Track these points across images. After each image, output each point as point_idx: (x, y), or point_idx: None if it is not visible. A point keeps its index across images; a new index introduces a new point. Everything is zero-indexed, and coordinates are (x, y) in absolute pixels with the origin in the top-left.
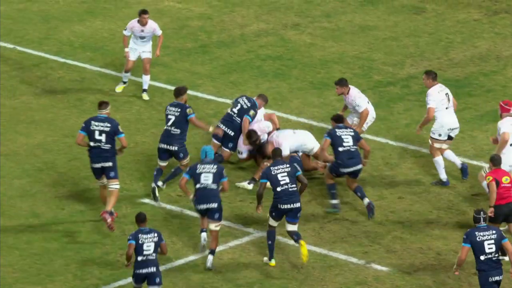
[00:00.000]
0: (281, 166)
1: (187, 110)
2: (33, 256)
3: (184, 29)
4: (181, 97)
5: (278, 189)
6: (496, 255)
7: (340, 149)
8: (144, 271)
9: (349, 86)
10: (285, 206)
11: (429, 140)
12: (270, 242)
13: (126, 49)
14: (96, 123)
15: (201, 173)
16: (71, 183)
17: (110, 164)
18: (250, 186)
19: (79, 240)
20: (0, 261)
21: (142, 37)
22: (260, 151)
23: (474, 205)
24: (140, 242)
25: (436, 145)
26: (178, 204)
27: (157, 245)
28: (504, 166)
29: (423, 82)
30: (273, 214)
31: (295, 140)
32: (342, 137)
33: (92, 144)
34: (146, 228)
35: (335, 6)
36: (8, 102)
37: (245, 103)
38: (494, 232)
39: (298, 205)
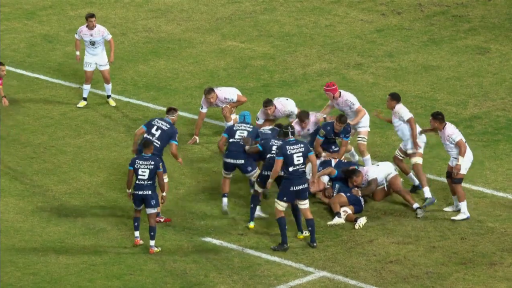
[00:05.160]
0: None
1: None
2: None
3: (246, 69)
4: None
5: None
6: (303, 167)
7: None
8: (140, 192)
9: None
10: None
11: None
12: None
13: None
14: (159, 121)
15: (237, 130)
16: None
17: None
18: (342, 220)
19: (140, 278)
20: None
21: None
22: (349, 175)
23: None
24: (136, 167)
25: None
26: (239, 243)
27: (153, 172)
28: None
29: (387, 104)
30: None
31: (379, 170)
32: None
33: (147, 135)
34: (146, 155)
35: (398, 46)
36: (72, 141)
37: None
38: (302, 145)
39: None
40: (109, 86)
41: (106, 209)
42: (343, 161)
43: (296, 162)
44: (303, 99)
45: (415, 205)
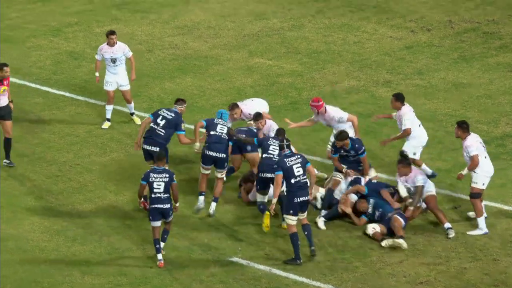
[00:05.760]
0: None
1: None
2: None
3: (274, 86)
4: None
5: None
6: (304, 177)
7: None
8: (160, 206)
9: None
10: None
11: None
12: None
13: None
14: (165, 111)
15: (218, 124)
16: None
17: (157, 148)
18: (404, 243)
19: None
20: None
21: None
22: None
23: None
24: (150, 180)
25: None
26: (266, 263)
27: (168, 184)
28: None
29: (391, 105)
30: None
31: (426, 181)
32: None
33: (152, 125)
34: (160, 168)
35: (428, 63)
36: (98, 159)
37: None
38: (299, 157)
39: None
40: (131, 105)
41: (131, 228)
42: (372, 181)
43: (296, 174)
44: None
45: (447, 225)
